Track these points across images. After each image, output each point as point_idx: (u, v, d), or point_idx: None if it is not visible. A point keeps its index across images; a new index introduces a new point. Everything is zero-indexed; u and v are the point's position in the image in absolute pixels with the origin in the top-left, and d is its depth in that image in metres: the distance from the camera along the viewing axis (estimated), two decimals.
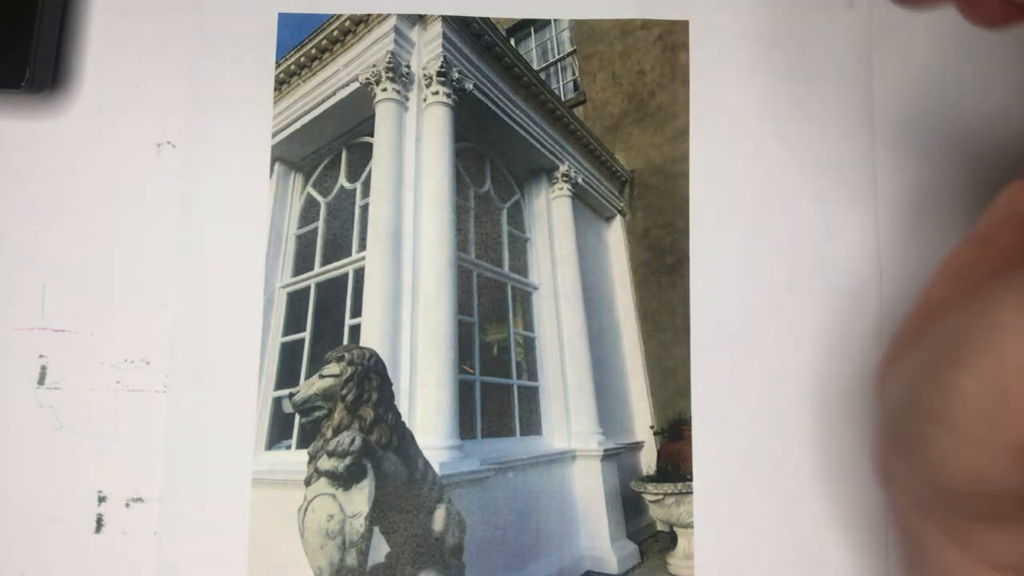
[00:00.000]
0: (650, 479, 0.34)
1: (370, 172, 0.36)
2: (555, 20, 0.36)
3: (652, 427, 0.34)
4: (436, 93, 0.37)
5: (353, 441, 0.33)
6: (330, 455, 0.33)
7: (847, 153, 0.34)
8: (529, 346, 0.36)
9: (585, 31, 0.36)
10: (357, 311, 0.35)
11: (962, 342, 0.19)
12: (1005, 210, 0.24)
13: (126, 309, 0.34)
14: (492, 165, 0.37)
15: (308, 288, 0.36)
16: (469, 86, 0.37)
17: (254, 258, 0.35)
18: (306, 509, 0.33)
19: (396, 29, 0.36)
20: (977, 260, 0.25)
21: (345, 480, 0.33)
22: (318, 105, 0.36)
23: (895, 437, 0.23)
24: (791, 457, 0.33)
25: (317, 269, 0.36)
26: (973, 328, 0.19)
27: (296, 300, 0.35)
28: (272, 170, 0.35)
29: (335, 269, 0.36)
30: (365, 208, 0.36)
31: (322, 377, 0.34)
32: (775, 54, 0.35)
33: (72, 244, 0.34)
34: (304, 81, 0.36)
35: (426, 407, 0.34)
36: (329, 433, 0.33)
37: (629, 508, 0.34)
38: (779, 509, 0.32)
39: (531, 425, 0.35)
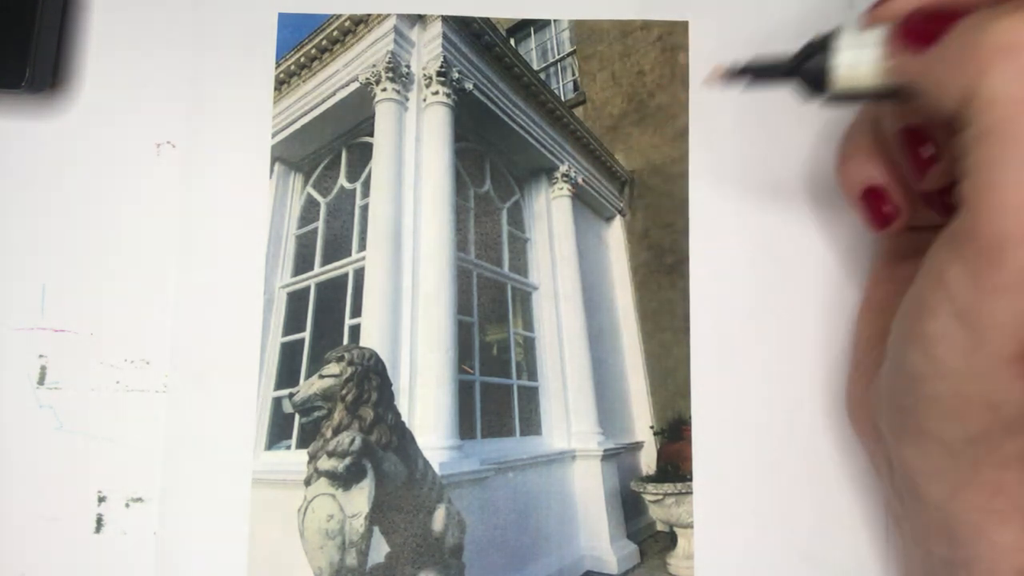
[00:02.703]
0: (650, 479, 0.34)
1: (370, 172, 0.36)
2: (555, 20, 0.36)
3: (652, 427, 0.34)
4: (436, 93, 0.37)
5: (353, 441, 0.33)
6: (330, 455, 0.33)
7: None
8: (529, 346, 0.36)
9: (585, 31, 0.36)
10: (357, 311, 0.35)
11: (920, 303, 0.22)
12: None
13: (126, 309, 0.34)
14: (492, 165, 0.37)
15: (308, 288, 0.36)
16: (469, 86, 0.37)
17: (254, 258, 0.35)
18: (306, 509, 0.33)
19: (396, 29, 0.36)
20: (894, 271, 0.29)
21: (345, 480, 0.33)
22: (318, 105, 0.36)
23: (904, 427, 0.24)
24: (791, 457, 0.33)
25: (317, 269, 0.36)
26: (924, 288, 0.22)
27: (296, 300, 0.35)
28: (272, 170, 0.35)
29: (335, 269, 0.36)
30: (365, 208, 0.36)
31: (322, 377, 0.34)
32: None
33: (72, 244, 0.34)
34: (304, 81, 0.36)
35: (426, 407, 0.34)
36: (329, 433, 0.33)
37: (629, 508, 0.34)
38: (779, 509, 0.32)
39: (531, 425, 0.35)
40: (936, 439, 0.24)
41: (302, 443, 0.34)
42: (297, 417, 0.34)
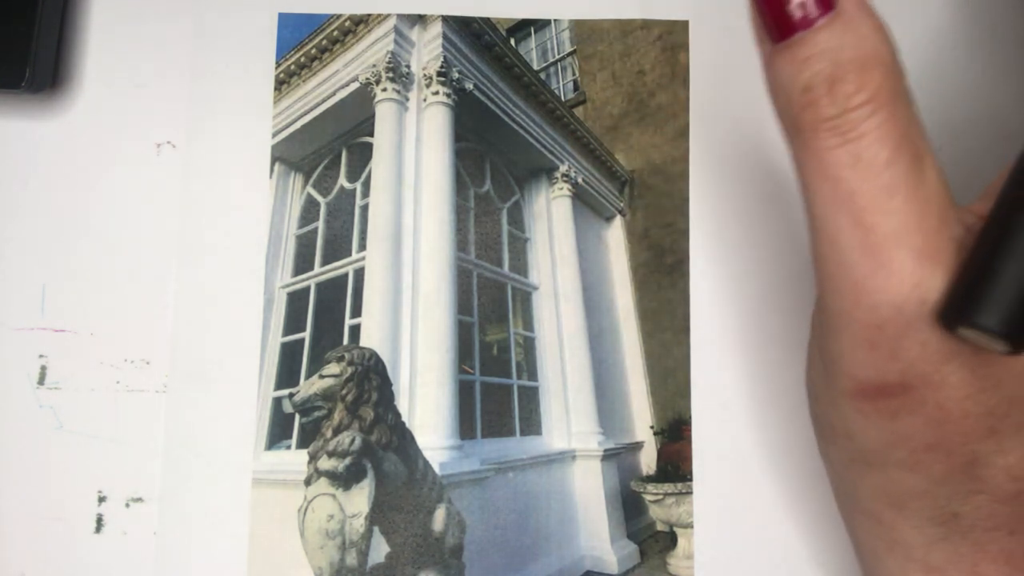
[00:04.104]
0: (650, 479, 0.34)
1: (370, 172, 0.36)
2: (555, 20, 0.36)
3: (652, 427, 0.34)
4: (436, 93, 0.37)
5: (353, 441, 0.33)
6: (330, 455, 0.33)
7: None
8: (529, 346, 0.36)
9: (585, 31, 0.36)
10: (357, 311, 0.35)
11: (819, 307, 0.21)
12: None
13: (126, 309, 0.34)
14: (492, 165, 0.37)
15: (308, 288, 0.36)
16: (469, 86, 0.37)
17: (254, 258, 0.35)
18: (306, 509, 0.33)
19: (396, 29, 0.36)
20: None
21: (345, 480, 0.33)
22: (318, 105, 0.36)
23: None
24: (791, 457, 0.33)
25: (317, 269, 0.36)
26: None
27: (296, 300, 0.35)
28: (272, 170, 0.35)
29: (335, 269, 0.36)
30: (365, 208, 0.36)
31: (322, 377, 0.34)
32: None
33: (72, 244, 0.34)
34: (304, 81, 0.36)
35: (426, 407, 0.34)
36: (329, 433, 0.33)
37: (629, 508, 0.34)
38: (779, 509, 0.32)
39: (531, 425, 0.35)
40: (825, 456, 0.24)
41: (302, 443, 0.34)
42: (297, 417, 0.34)
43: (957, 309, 0.17)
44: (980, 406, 0.19)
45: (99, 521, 0.33)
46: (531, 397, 0.35)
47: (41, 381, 0.34)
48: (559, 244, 0.38)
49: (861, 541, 0.23)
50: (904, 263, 0.18)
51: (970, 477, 0.19)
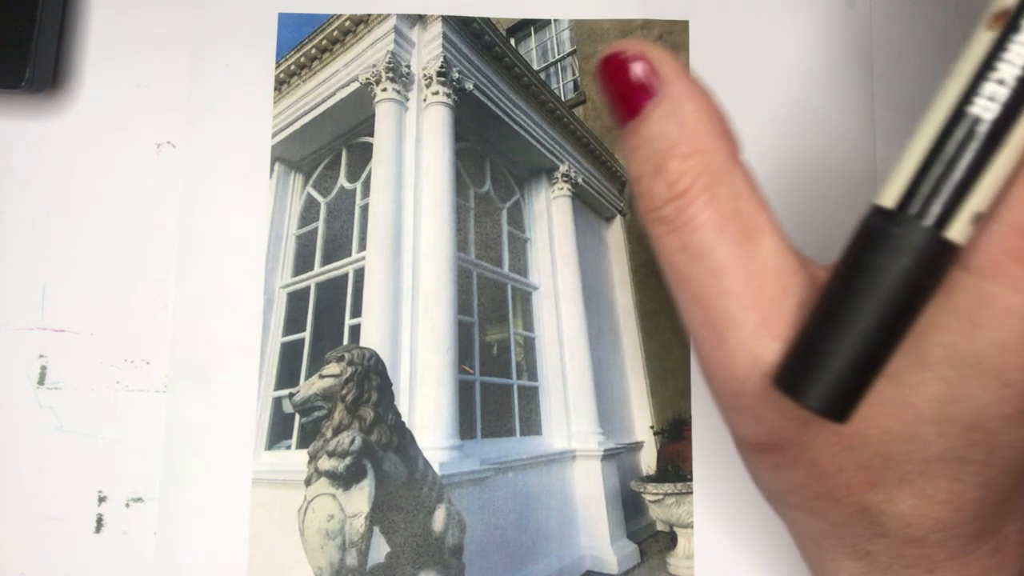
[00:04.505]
0: (650, 479, 0.34)
1: (370, 172, 0.36)
2: (555, 20, 0.36)
3: (652, 427, 0.34)
4: (436, 93, 0.37)
5: (353, 441, 0.33)
6: (330, 455, 0.33)
7: (847, 153, 0.34)
8: (529, 346, 0.36)
9: (585, 31, 0.36)
10: (357, 311, 0.35)
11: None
12: None
13: (126, 309, 0.34)
14: (492, 165, 0.37)
15: (308, 288, 0.36)
16: (469, 86, 0.37)
17: (254, 258, 0.35)
18: (306, 509, 0.33)
19: (396, 29, 0.36)
20: None
21: (345, 480, 0.33)
22: (318, 105, 0.36)
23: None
24: None
25: (317, 269, 0.36)
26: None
27: (296, 300, 0.35)
28: (272, 170, 0.35)
29: (335, 269, 0.36)
30: (365, 208, 0.36)
31: (322, 377, 0.34)
32: (775, 54, 0.35)
33: (72, 244, 0.34)
34: (304, 81, 0.36)
35: (426, 407, 0.34)
36: (329, 433, 0.33)
37: (629, 508, 0.34)
38: None
39: (531, 425, 0.35)
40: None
41: (302, 443, 0.34)
42: (297, 417, 0.34)
43: (785, 384, 0.18)
44: (852, 462, 0.19)
45: (99, 521, 0.33)
46: (531, 397, 0.35)
47: (41, 381, 0.34)
48: (559, 244, 0.38)
49: (809, 569, 0.24)
50: (741, 339, 0.18)
51: (868, 522, 0.19)
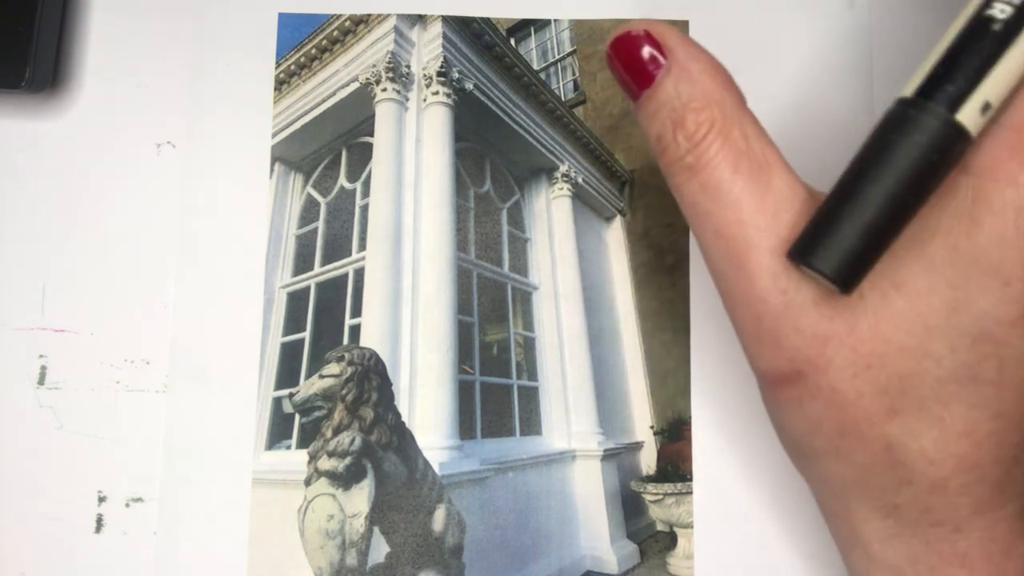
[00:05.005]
0: (650, 479, 0.34)
1: (370, 172, 0.36)
2: (555, 20, 0.36)
3: (652, 427, 0.34)
4: (436, 93, 0.37)
5: (353, 441, 0.33)
6: (330, 455, 0.33)
7: (848, 153, 0.34)
8: (529, 346, 0.36)
9: (585, 31, 0.36)
10: (357, 311, 0.35)
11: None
12: None
13: (126, 309, 0.34)
14: (492, 165, 0.37)
15: (308, 288, 0.36)
16: (469, 86, 0.37)
17: (254, 258, 0.35)
18: (306, 509, 0.33)
19: (396, 29, 0.36)
20: None
21: (345, 480, 0.33)
22: (318, 105, 0.36)
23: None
24: None
25: (317, 269, 0.36)
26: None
27: (296, 300, 0.35)
28: (272, 170, 0.35)
29: (335, 269, 0.36)
30: (365, 208, 0.36)
31: (322, 377, 0.34)
32: (775, 54, 0.35)
33: (72, 244, 0.34)
34: (304, 81, 0.36)
35: (426, 407, 0.34)
36: (329, 433, 0.33)
37: (629, 508, 0.34)
38: (779, 509, 0.32)
39: (531, 425, 0.35)
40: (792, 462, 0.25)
41: (302, 443, 0.34)
42: (297, 417, 0.34)
43: (799, 251, 0.19)
44: (870, 384, 0.20)
45: (99, 521, 0.33)
46: (531, 397, 0.35)
47: (41, 381, 0.34)
48: (559, 244, 0.38)
49: (836, 542, 0.24)
50: (760, 262, 0.20)
51: (892, 465, 0.20)
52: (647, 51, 0.22)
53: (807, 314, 0.20)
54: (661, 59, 0.21)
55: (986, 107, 0.18)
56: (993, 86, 0.18)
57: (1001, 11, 0.18)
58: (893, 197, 0.18)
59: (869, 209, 0.18)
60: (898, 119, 0.19)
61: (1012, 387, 0.19)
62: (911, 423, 0.20)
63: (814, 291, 0.20)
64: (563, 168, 0.38)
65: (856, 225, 0.18)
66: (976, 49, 0.18)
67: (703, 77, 0.21)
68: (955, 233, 0.19)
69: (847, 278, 0.19)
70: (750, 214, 0.20)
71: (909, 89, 0.19)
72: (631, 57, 0.22)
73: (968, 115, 0.18)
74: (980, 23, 0.18)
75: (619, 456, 0.34)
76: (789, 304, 0.20)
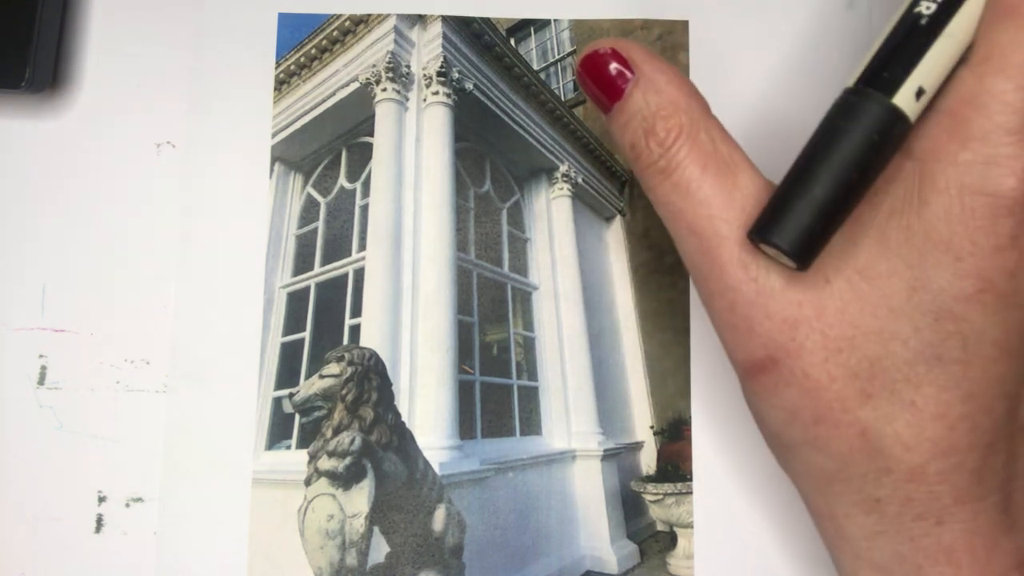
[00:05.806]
0: (650, 479, 0.34)
1: (370, 172, 0.36)
2: (555, 20, 0.36)
3: (652, 427, 0.34)
4: (436, 93, 0.37)
5: (353, 441, 0.33)
6: (330, 455, 0.33)
7: None
8: (529, 346, 0.36)
9: (585, 31, 0.36)
10: (357, 311, 0.35)
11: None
12: None
13: (126, 309, 0.34)
14: (492, 165, 0.37)
15: (308, 288, 0.36)
16: (469, 86, 0.37)
17: (254, 258, 0.35)
18: (306, 509, 0.33)
19: (396, 29, 0.36)
20: None
21: (345, 480, 0.33)
22: (318, 105, 0.36)
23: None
24: None
25: (317, 269, 0.36)
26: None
27: (296, 300, 0.35)
28: (272, 170, 0.35)
29: (335, 269, 0.36)
30: (365, 208, 0.36)
31: (322, 377, 0.34)
32: (775, 54, 0.35)
33: (72, 244, 0.34)
34: (304, 81, 0.36)
35: (426, 407, 0.34)
36: (329, 433, 0.33)
37: (629, 508, 0.34)
38: (779, 509, 0.32)
39: (531, 425, 0.35)
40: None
41: (302, 443, 0.34)
42: (297, 417, 0.34)
43: (758, 229, 0.21)
44: (842, 368, 0.20)
45: (99, 521, 0.33)
46: (531, 397, 0.35)
47: (41, 381, 0.34)
48: (559, 244, 0.38)
49: (825, 544, 0.24)
50: (731, 253, 0.22)
51: (869, 452, 0.21)
52: (614, 67, 0.23)
53: (776, 300, 0.21)
54: (628, 73, 0.23)
55: (920, 92, 0.20)
56: (924, 73, 0.20)
57: (927, 8, 0.20)
58: (841, 176, 0.20)
59: (820, 188, 0.20)
60: (843, 106, 0.21)
61: (978, 366, 0.20)
62: (884, 407, 0.20)
63: (782, 278, 0.21)
64: (563, 168, 0.38)
65: (809, 203, 0.20)
66: (907, 41, 0.20)
67: (669, 87, 0.23)
68: (907, 214, 0.20)
69: (802, 252, 0.20)
70: (719, 210, 0.22)
71: (852, 79, 0.21)
72: (600, 73, 0.23)
73: (904, 99, 0.20)
74: (910, 18, 0.21)
75: (619, 456, 0.34)
76: (759, 291, 0.21)
